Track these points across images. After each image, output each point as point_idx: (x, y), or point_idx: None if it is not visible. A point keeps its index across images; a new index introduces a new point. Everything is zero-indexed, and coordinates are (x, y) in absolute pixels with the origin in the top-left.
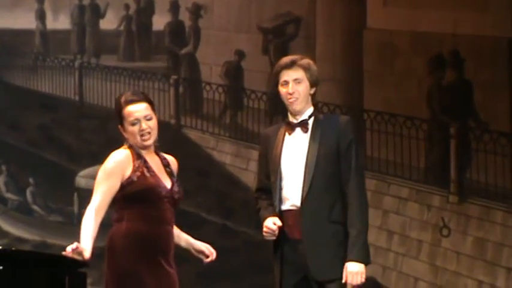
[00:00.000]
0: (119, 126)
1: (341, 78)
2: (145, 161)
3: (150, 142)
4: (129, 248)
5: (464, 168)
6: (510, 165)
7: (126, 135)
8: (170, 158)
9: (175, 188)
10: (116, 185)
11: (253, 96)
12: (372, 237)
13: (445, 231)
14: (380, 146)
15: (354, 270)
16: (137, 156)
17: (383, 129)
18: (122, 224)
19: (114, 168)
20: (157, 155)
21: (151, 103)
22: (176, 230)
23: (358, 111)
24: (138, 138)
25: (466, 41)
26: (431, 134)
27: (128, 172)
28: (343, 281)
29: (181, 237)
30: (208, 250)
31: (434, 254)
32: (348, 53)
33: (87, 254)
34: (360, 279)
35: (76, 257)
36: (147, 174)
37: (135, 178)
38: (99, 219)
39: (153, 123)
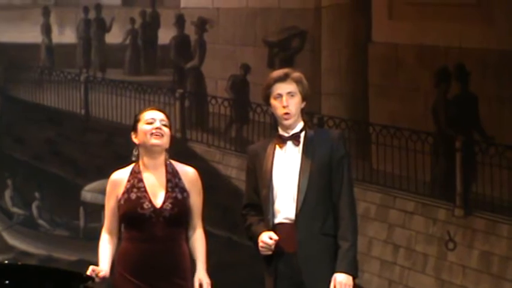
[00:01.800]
0: (132, 133)
1: (346, 92)
2: (139, 180)
3: (159, 142)
4: (120, 268)
5: (469, 182)
6: None
7: (136, 139)
8: (184, 170)
9: (167, 206)
10: (114, 206)
11: (258, 109)
12: (378, 250)
13: (450, 245)
14: (385, 159)
15: (343, 281)
16: (134, 174)
17: (388, 142)
18: (121, 244)
19: (110, 191)
20: (166, 166)
21: (168, 118)
22: (195, 247)
23: (363, 124)
24: (149, 136)
25: (471, 54)
26: (437, 147)
27: (120, 194)
28: None
29: (194, 256)
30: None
31: (440, 267)
32: (353, 66)
33: (102, 273)
34: None
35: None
36: (132, 196)
37: (122, 201)
38: (115, 238)
39: (167, 131)
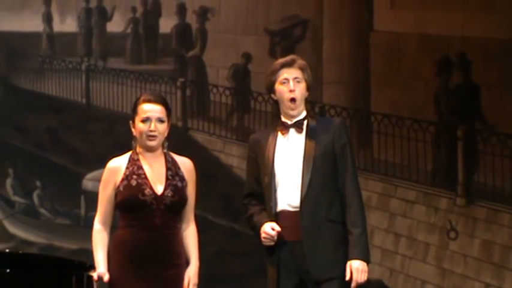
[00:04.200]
0: (130, 122)
1: (348, 81)
2: (139, 167)
3: (153, 144)
4: (116, 256)
5: (471, 171)
6: None
7: (134, 131)
8: (182, 160)
9: (168, 193)
10: (112, 194)
11: (260, 98)
12: (379, 239)
13: (452, 234)
14: (387, 148)
15: (359, 268)
16: (133, 161)
17: (390, 131)
18: (117, 232)
19: (107, 178)
20: (165, 156)
21: (167, 108)
22: (189, 244)
23: (365, 113)
24: (144, 137)
25: (473, 43)
26: (439, 136)
27: (118, 181)
28: (347, 278)
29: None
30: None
31: (442, 256)
32: (355, 55)
33: (107, 276)
34: (364, 277)
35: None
36: (133, 183)
37: (121, 188)
38: (108, 229)
39: (163, 127)
